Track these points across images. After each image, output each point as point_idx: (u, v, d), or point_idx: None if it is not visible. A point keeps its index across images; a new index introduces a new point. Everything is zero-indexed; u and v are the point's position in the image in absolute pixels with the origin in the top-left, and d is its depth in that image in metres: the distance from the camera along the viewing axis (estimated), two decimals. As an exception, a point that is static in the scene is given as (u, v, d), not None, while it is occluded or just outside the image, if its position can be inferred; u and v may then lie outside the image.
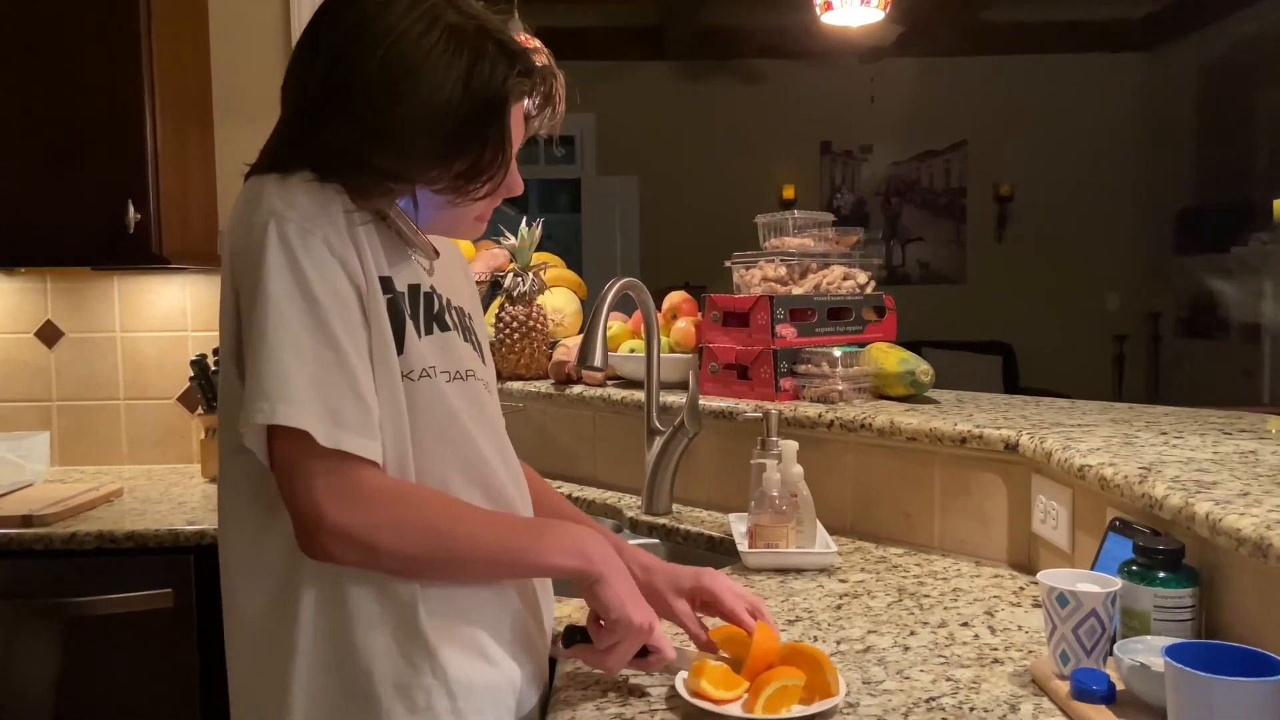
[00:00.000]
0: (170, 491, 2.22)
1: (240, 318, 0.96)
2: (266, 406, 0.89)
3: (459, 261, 1.20)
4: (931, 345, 5.72)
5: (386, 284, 1.00)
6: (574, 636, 1.08)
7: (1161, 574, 1.05)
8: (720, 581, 1.16)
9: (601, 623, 1.03)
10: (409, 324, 1.01)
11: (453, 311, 1.09)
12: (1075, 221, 7.27)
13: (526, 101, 1.05)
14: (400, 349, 0.99)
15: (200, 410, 2.36)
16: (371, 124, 0.95)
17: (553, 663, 1.23)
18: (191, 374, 2.32)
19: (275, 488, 0.93)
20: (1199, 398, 6.24)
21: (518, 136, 1.04)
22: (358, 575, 0.96)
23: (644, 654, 1.06)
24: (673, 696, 1.07)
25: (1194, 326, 6.88)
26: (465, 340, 1.09)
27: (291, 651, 0.96)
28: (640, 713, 1.04)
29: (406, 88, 0.95)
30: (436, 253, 1.10)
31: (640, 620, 1.01)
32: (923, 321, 6.09)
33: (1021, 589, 1.45)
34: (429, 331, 1.03)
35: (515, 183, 1.06)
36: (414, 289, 1.03)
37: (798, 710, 1.00)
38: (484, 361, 1.14)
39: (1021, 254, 7.40)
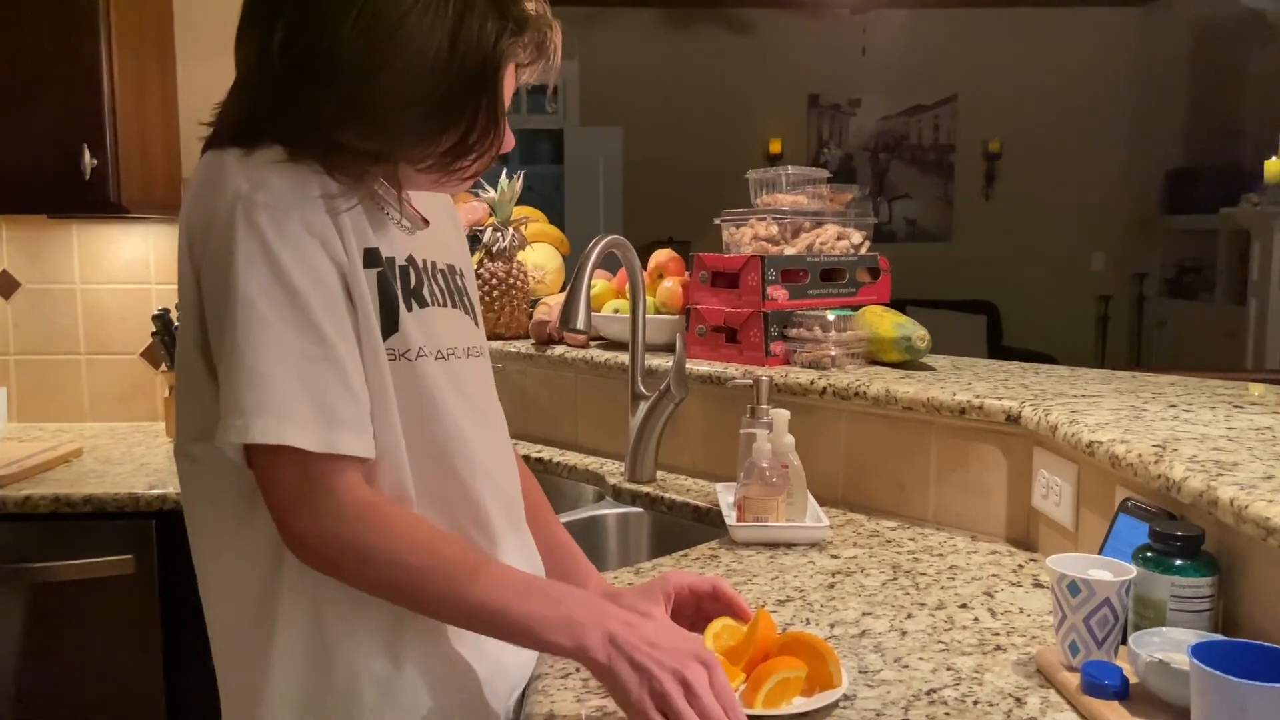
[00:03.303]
0: (133, 451, 2.13)
1: (203, 305, 0.86)
2: (240, 424, 0.80)
3: (446, 210, 1.09)
4: (916, 304, 5.66)
5: (373, 256, 0.89)
6: None
7: (1179, 561, 0.99)
8: (685, 577, 1.09)
9: None
10: (400, 299, 0.91)
11: (437, 276, 0.99)
12: (1063, 180, 7.20)
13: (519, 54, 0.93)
14: (395, 327, 0.90)
15: (164, 366, 2.26)
16: (347, 97, 0.83)
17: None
18: (154, 329, 2.22)
19: (243, 477, 0.86)
20: (1183, 359, 6.25)
21: (508, 95, 0.93)
22: (333, 590, 0.89)
23: None
24: (659, 687, 1.01)
25: (1179, 287, 6.86)
26: (453, 306, 0.99)
27: (269, 647, 0.89)
28: (624, 704, 0.98)
29: (385, 54, 0.82)
30: (426, 221, 0.99)
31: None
32: (908, 280, 6.03)
33: (1021, 566, 1.39)
34: (408, 308, 0.93)
35: (507, 140, 0.95)
36: (390, 261, 0.92)
37: (799, 703, 0.94)
38: (476, 323, 1.05)
39: (1009, 212, 7.33)
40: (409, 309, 0.93)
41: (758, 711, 0.93)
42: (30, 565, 1.79)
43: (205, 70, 2.35)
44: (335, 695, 0.89)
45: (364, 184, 0.89)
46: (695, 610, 1.11)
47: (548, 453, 2.06)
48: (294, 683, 0.89)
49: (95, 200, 2.02)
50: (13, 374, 2.40)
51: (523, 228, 2.25)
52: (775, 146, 7.34)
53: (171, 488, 1.83)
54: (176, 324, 2.17)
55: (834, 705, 0.96)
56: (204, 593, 0.95)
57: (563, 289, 2.38)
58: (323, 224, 0.85)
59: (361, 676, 0.89)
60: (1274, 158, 5.54)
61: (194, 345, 0.89)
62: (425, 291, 0.95)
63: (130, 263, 2.38)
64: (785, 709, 0.93)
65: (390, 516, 0.85)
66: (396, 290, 0.91)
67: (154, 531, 1.81)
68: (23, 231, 2.37)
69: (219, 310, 0.83)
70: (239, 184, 0.83)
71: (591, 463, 1.98)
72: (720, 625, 1.04)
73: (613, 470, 1.92)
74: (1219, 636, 0.94)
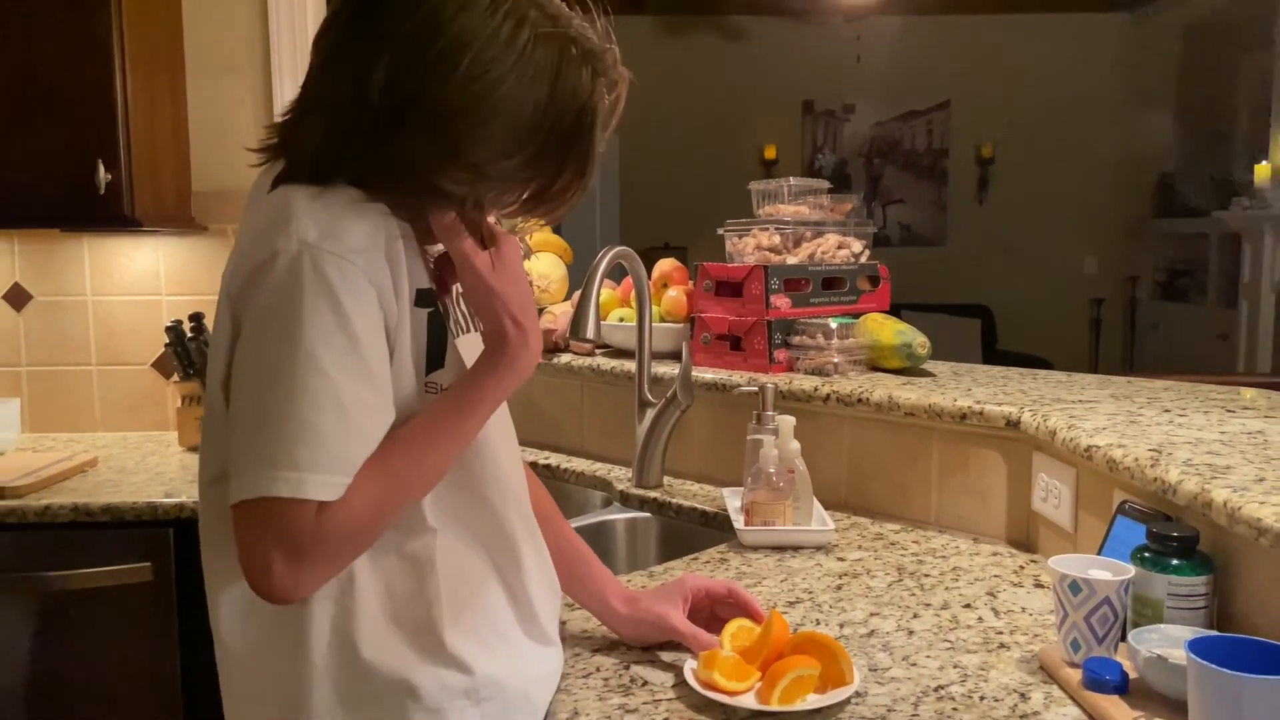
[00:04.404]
0: (147, 461, 2.16)
1: (235, 341, 0.85)
2: (294, 477, 0.79)
3: None
4: (911, 308, 5.71)
5: (425, 297, 0.90)
6: None
7: (1176, 561, 1.03)
8: (701, 580, 1.16)
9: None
10: (450, 337, 0.93)
11: (459, 301, 1.01)
12: (1056, 184, 7.26)
13: None
14: (440, 363, 0.91)
15: (176, 377, 2.29)
16: (447, 148, 0.85)
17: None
18: (167, 340, 2.25)
19: None
20: (1175, 361, 6.30)
21: None
22: (372, 607, 0.89)
23: None
24: (679, 685, 1.05)
25: (1171, 290, 6.92)
26: (475, 330, 1.01)
27: (305, 683, 0.88)
28: (644, 703, 1.02)
29: (490, 108, 0.84)
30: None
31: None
32: (902, 284, 6.04)
33: (1022, 568, 1.43)
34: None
35: None
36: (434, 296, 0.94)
37: (813, 700, 0.98)
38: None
39: (1002, 216, 7.39)
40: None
41: (774, 708, 0.97)
42: (49, 573, 1.82)
43: (213, 88, 2.39)
44: None
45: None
46: (710, 613, 1.15)
47: (555, 459, 2.09)
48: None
49: (110, 214, 2.05)
50: (25, 385, 2.43)
51: (528, 237, 2.29)
52: (770, 152, 7.39)
53: (188, 496, 1.86)
54: (190, 335, 2.23)
55: (846, 701, 1.00)
56: (223, 624, 0.93)
57: (566, 298, 2.41)
58: (382, 273, 0.85)
59: (409, 708, 0.90)
60: (1264, 161, 5.61)
61: (219, 383, 0.87)
62: (451, 322, 0.96)
63: (140, 275, 2.41)
64: (800, 705, 0.97)
65: (335, 516, 0.82)
66: (448, 329, 0.93)
67: (171, 539, 1.84)
68: (34, 244, 2.40)
69: (267, 354, 0.82)
70: (307, 229, 0.82)
71: (599, 469, 2.02)
72: (736, 625, 1.08)
73: (620, 476, 1.95)
74: (1214, 632, 0.98)
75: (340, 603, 0.89)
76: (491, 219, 0.95)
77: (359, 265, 0.83)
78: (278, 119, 0.94)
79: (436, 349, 0.91)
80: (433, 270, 0.94)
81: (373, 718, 0.90)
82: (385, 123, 0.84)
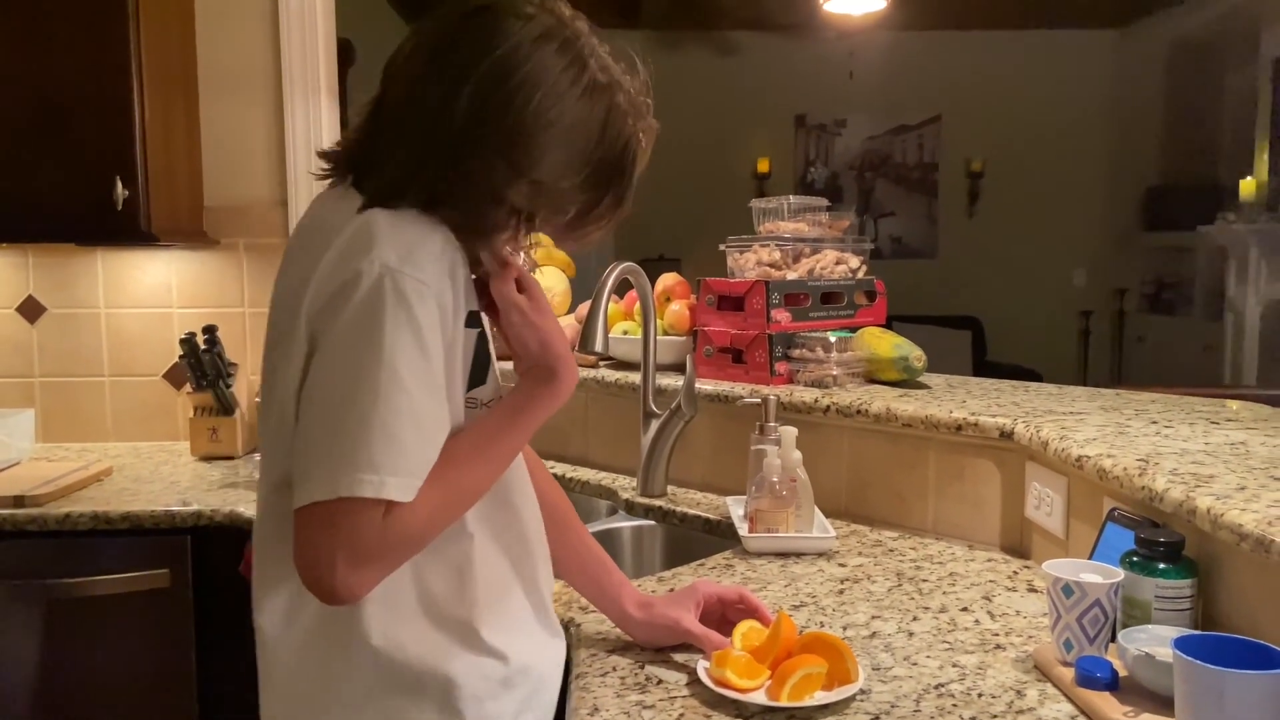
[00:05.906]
0: (160, 470, 2.21)
1: (310, 357, 0.91)
2: (375, 479, 0.86)
3: None
4: (902, 320, 5.75)
5: (474, 318, 0.99)
6: None
7: (1163, 565, 1.09)
8: (713, 587, 1.23)
9: None
10: (492, 355, 1.02)
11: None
12: (1045, 198, 7.35)
13: None
14: (484, 379, 1.01)
15: (189, 388, 2.34)
16: (517, 164, 0.95)
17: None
18: (181, 352, 2.30)
19: None
20: (1162, 373, 6.38)
21: None
22: (415, 609, 0.96)
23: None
24: (692, 683, 1.10)
25: (1158, 303, 7.01)
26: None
27: (350, 687, 0.96)
28: (660, 700, 1.07)
29: (559, 134, 0.96)
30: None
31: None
32: (894, 296, 6.08)
33: (1016, 573, 1.49)
34: None
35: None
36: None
37: (820, 696, 1.03)
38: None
39: (992, 229, 7.47)
40: None
41: (784, 704, 1.02)
42: (69, 580, 1.86)
43: (225, 105, 2.45)
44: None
45: (494, 240, 0.99)
46: (721, 616, 1.21)
47: (560, 468, 2.14)
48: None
49: (127, 230, 2.10)
50: (38, 396, 2.47)
51: (532, 252, 2.34)
52: (763, 165, 7.46)
53: (204, 504, 1.91)
54: (204, 347, 2.28)
55: (852, 698, 1.06)
56: (268, 623, 0.98)
57: (570, 310, 2.47)
58: (447, 295, 0.93)
59: (454, 696, 0.97)
60: (1249, 176, 5.70)
61: (293, 393, 0.93)
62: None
63: (153, 288, 2.46)
64: (808, 701, 1.03)
65: (401, 520, 0.89)
66: (491, 350, 1.02)
67: (188, 546, 1.89)
68: (49, 258, 2.45)
69: (351, 367, 0.88)
70: (388, 255, 0.89)
71: (604, 478, 2.07)
72: (747, 626, 1.14)
73: (624, 485, 2.00)
74: (1199, 632, 1.04)
75: (384, 605, 0.95)
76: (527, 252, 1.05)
77: (433, 290, 0.91)
78: (348, 136, 1.03)
79: (480, 367, 1.00)
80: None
81: (418, 707, 0.97)
82: (464, 143, 0.94)
